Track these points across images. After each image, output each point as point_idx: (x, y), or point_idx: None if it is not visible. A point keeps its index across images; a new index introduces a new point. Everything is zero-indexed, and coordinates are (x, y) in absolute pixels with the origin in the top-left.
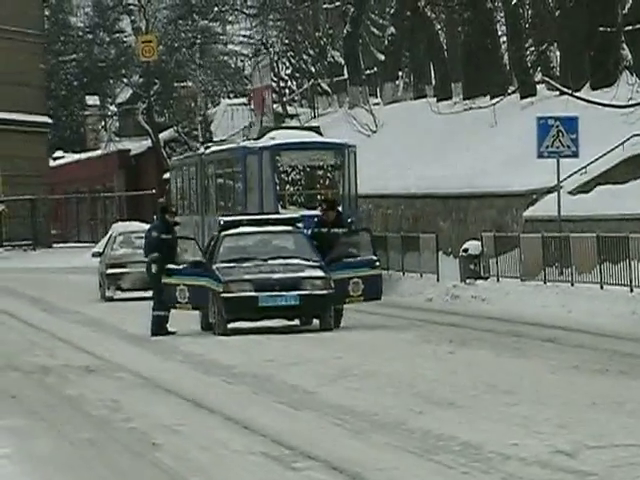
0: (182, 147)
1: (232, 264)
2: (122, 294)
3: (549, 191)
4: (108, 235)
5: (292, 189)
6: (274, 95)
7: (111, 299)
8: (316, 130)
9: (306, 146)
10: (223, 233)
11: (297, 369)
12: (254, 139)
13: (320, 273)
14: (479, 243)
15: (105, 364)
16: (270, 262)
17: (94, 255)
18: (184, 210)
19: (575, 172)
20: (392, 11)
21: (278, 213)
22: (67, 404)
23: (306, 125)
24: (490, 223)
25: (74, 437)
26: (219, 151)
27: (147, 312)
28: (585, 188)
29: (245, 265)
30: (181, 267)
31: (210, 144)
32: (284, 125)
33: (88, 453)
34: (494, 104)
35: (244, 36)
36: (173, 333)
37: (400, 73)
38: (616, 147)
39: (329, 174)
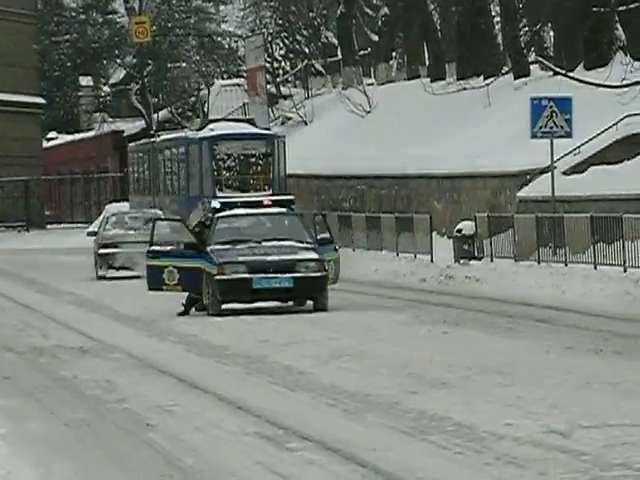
0: (176, 127)
1: (226, 246)
2: (115, 272)
3: (543, 171)
4: (102, 216)
5: (228, 174)
6: (268, 76)
7: (104, 278)
8: (251, 122)
9: (240, 137)
10: (217, 215)
11: (291, 350)
12: (196, 130)
13: (314, 255)
14: (473, 223)
15: (99, 345)
16: (264, 244)
17: (89, 234)
18: (139, 191)
19: (569, 152)
20: None
21: (216, 196)
22: (61, 385)
23: (242, 118)
24: (484, 204)
25: (68, 418)
26: (167, 140)
27: (139, 292)
28: (579, 168)
29: (239, 247)
30: (168, 249)
31: (161, 132)
32: (223, 117)
33: (82, 434)
34: (488, 84)
35: (238, 16)
36: (187, 313)
37: (394, 53)
38: (610, 127)
39: (260, 161)
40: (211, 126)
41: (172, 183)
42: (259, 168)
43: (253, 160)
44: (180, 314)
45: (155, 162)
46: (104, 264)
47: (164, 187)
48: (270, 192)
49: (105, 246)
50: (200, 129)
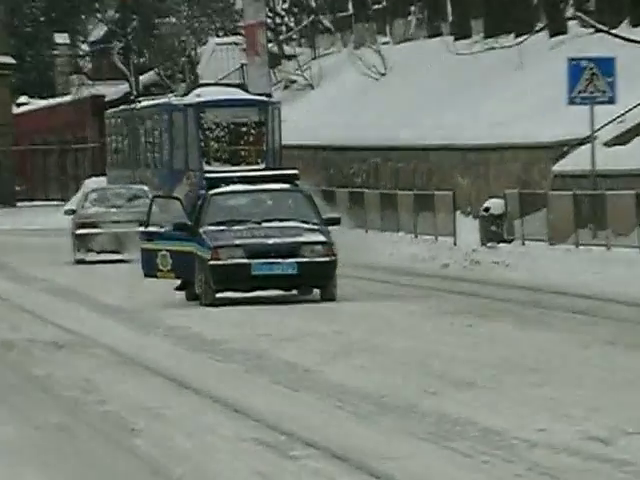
0: (164, 92)
1: (221, 227)
2: (96, 256)
3: (582, 142)
4: (81, 191)
5: (216, 145)
6: (269, 33)
7: (82, 262)
8: (242, 87)
9: (230, 103)
10: (210, 192)
11: (295, 345)
12: (181, 95)
13: (321, 238)
14: (502, 202)
15: (76, 339)
16: (264, 225)
17: (67, 213)
18: (118, 163)
19: (611, 121)
20: None
21: (202, 170)
22: (33, 384)
23: (232, 82)
24: (514, 179)
25: (41, 422)
26: (148, 107)
27: (123, 278)
28: (622, 139)
29: (236, 229)
30: (162, 230)
31: (142, 98)
32: (211, 82)
33: (57, 440)
34: (519, 43)
35: None
36: (185, 289)
37: (412, 8)
38: None
39: (253, 130)
40: (197, 91)
41: (154, 155)
42: (251, 138)
43: (244, 129)
44: (178, 288)
45: (135, 131)
46: (82, 246)
47: (145, 159)
48: (263, 165)
49: (84, 226)
50: (185, 95)
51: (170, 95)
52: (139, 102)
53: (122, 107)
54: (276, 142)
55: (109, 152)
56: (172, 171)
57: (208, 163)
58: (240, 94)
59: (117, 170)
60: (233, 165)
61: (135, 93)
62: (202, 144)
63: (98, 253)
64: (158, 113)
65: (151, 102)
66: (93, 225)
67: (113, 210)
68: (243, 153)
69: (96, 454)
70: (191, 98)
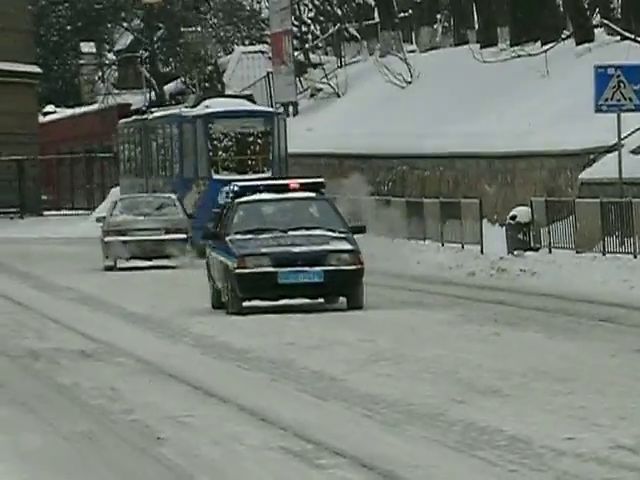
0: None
1: (247, 236)
2: (125, 263)
3: (608, 150)
4: (108, 200)
5: (224, 155)
6: (295, 41)
7: (111, 269)
8: (249, 98)
9: (237, 114)
10: (237, 200)
11: (321, 353)
12: (190, 107)
13: (348, 246)
14: (528, 209)
15: (103, 347)
16: (291, 233)
17: (98, 220)
18: (130, 172)
19: (638, 128)
20: None
21: (210, 179)
22: (59, 393)
23: (240, 94)
24: (541, 186)
25: (68, 430)
26: (159, 117)
27: (150, 287)
28: None
29: (262, 237)
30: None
31: (154, 109)
32: (219, 94)
33: (83, 449)
34: (546, 51)
35: None
36: None
37: (439, 16)
38: None
39: (259, 140)
40: (206, 103)
41: (165, 164)
42: (257, 148)
43: (251, 139)
44: None
45: (147, 141)
46: (111, 254)
47: (156, 168)
48: (269, 174)
49: (112, 233)
50: (194, 106)
51: (180, 106)
52: (152, 112)
53: (134, 118)
54: (282, 151)
55: (121, 161)
56: (182, 179)
57: (216, 172)
58: (247, 105)
59: (129, 179)
60: (240, 173)
61: (147, 104)
62: (210, 153)
63: (127, 260)
64: (168, 124)
65: (162, 113)
66: (121, 232)
67: (141, 218)
68: (250, 162)
69: (122, 463)
70: (200, 109)
